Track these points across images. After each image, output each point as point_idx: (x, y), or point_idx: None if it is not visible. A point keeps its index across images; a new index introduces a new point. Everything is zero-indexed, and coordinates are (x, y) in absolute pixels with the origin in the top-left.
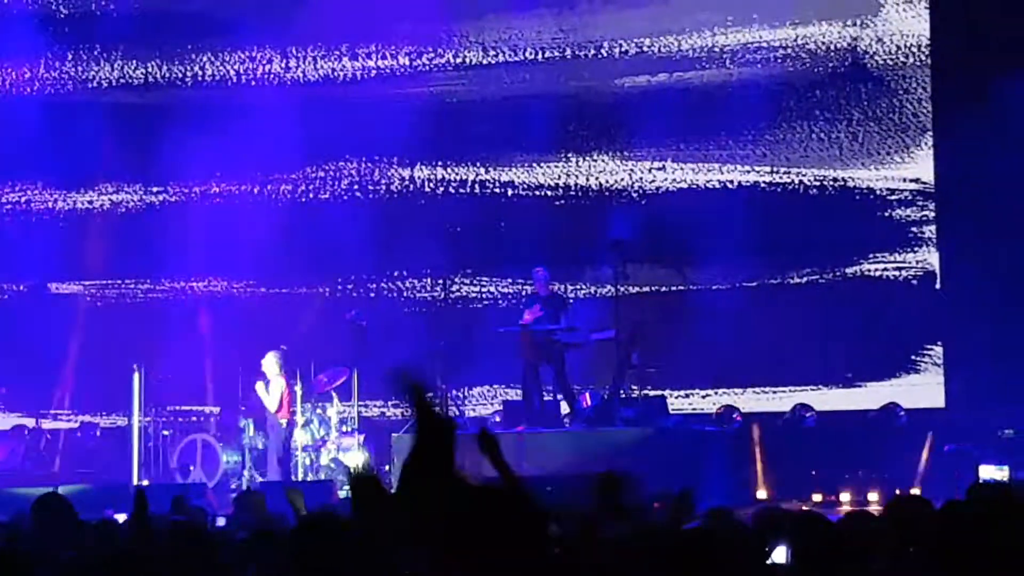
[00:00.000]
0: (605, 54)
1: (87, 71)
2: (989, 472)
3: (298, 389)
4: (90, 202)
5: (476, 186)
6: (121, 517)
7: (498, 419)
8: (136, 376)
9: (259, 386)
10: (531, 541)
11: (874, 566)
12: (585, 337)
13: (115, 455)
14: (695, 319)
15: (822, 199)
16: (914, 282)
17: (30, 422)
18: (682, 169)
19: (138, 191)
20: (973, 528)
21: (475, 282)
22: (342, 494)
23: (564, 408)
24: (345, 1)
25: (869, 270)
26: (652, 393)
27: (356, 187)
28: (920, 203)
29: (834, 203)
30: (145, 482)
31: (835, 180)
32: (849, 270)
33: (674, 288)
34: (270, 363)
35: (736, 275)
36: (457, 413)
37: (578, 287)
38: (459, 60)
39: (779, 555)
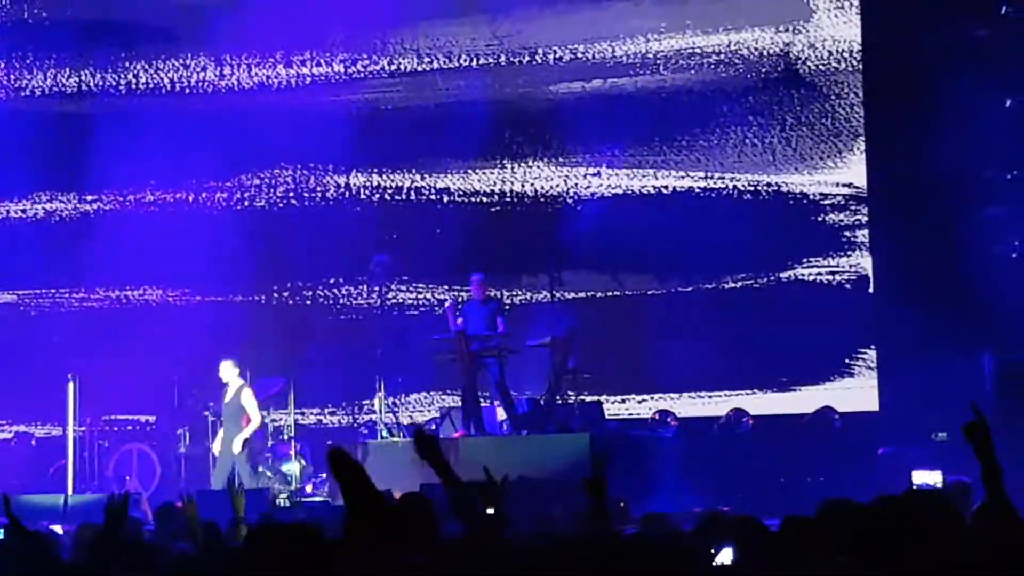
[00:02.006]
0: (539, 60)
1: (20, 79)
2: (922, 477)
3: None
4: (23, 211)
5: (412, 193)
6: (57, 528)
7: (434, 427)
8: (71, 385)
9: (248, 396)
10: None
11: (811, 570)
12: (521, 343)
13: (50, 465)
14: (630, 324)
15: (756, 204)
16: (847, 286)
17: None
18: (617, 175)
19: (72, 200)
20: (906, 531)
21: (411, 289)
22: (280, 502)
23: (501, 414)
24: (279, 8)
25: (803, 274)
26: (588, 398)
27: (291, 194)
28: (853, 207)
29: (768, 208)
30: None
31: (769, 185)
32: (783, 274)
33: (609, 294)
34: (230, 371)
35: (671, 280)
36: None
37: (514, 293)
38: (394, 67)
39: (725, 556)
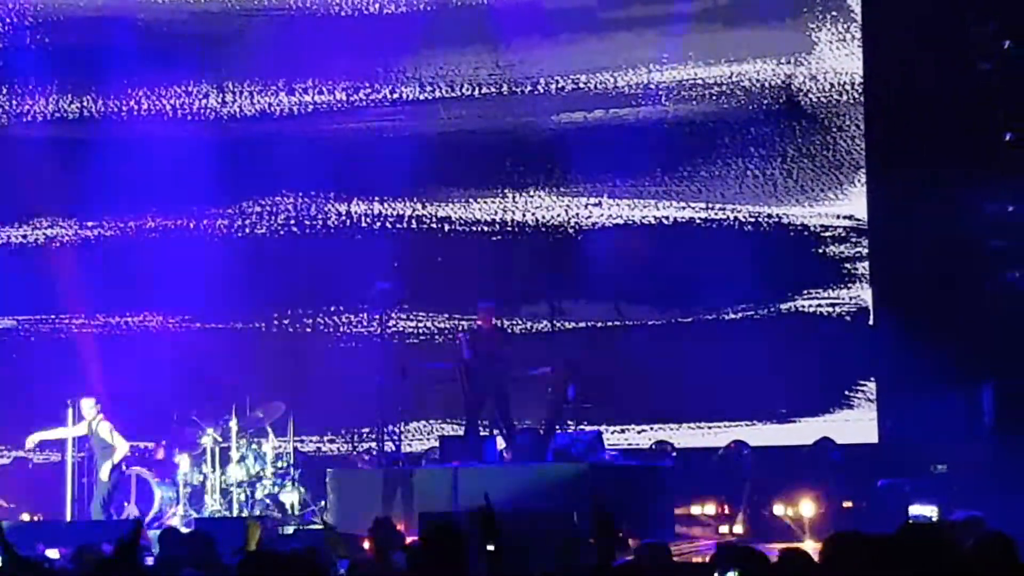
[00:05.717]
0: (541, 90)
1: (22, 105)
2: (918, 511)
3: (233, 424)
4: (24, 236)
5: (413, 221)
6: (53, 552)
7: (434, 456)
8: (70, 411)
9: (105, 428)
10: None
11: None
12: (522, 372)
13: (48, 490)
14: (630, 354)
15: (757, 235)
16: (848, 318)
17: None
18: (618, 205)
19: (73, 225)
20: (904, 564)
21: (412, 317)
22: (285, 530)
23: (501, 443)
24: (282, 37)
25: (803, 306)
26: (588, 428)
27: (293, 222)
28: (854, 240)
29: (768, 239)
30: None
31: (769, 216)
32: (783, 306)
33: (610, 323)
34: (90, 409)
35: (671, 311)
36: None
37: (514, 322)
38: (396, 96)
39: None
